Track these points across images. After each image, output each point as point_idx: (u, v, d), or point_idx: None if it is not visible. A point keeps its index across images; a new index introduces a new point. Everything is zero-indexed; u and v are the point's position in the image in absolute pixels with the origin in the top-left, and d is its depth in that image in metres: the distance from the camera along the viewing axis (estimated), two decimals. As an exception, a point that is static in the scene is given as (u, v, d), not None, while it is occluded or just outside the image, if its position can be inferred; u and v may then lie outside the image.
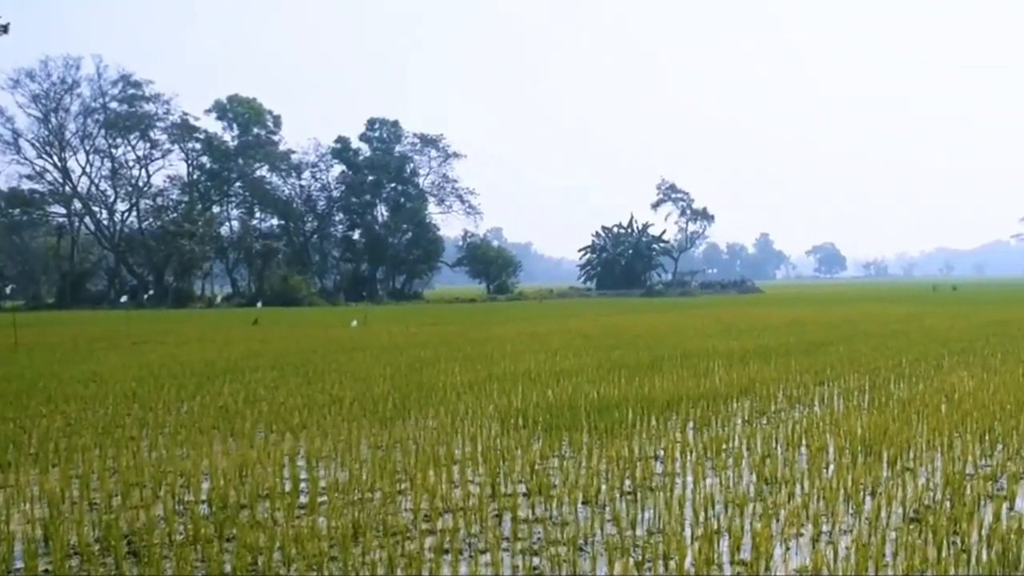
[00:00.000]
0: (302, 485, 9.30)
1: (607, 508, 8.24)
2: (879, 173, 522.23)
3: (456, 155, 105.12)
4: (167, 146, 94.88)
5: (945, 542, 7.03)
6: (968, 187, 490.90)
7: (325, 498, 8.73)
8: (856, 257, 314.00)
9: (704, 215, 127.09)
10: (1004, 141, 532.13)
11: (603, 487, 8.95)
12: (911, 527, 7.50)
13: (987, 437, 11.11)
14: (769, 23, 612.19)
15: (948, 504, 8.14)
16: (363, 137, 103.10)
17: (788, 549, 7.11)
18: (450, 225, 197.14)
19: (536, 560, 6.92)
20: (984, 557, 6.72)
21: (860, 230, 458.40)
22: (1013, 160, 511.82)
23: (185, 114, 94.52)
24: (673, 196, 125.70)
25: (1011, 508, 8.12)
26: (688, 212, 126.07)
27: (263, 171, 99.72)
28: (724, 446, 10.86)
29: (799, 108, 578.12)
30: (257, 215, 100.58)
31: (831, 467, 9.72)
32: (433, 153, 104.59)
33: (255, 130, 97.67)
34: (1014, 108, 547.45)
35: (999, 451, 10.49)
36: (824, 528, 7.58)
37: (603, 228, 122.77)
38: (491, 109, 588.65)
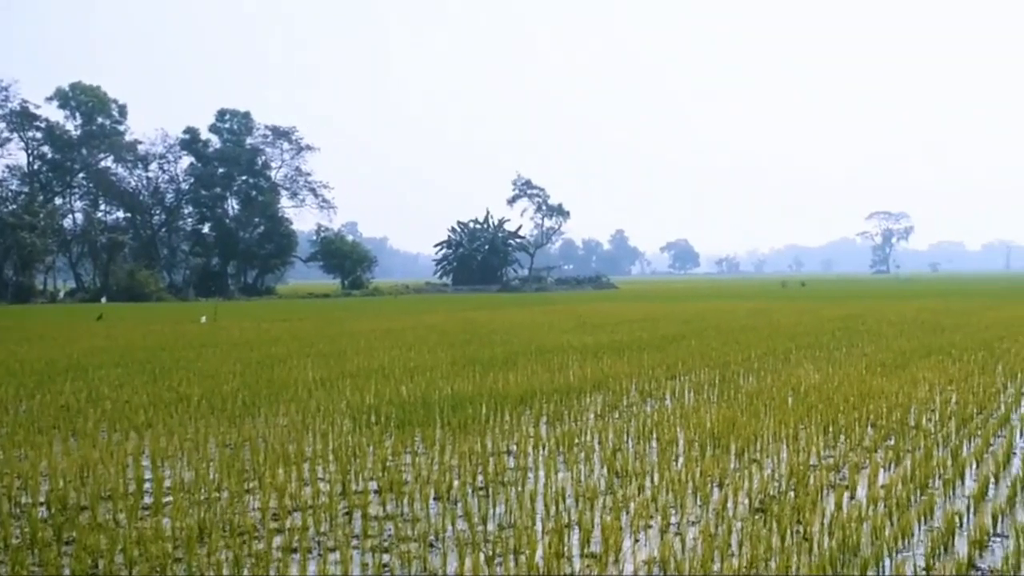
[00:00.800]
0: (146, 485, 9.06)
1: (459, 504, 8.22)
2: (731, 172, 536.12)
3: (309, 148, 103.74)
4: (5, 135, 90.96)
5: (789, 531, 7.20)
6: (817, 187, 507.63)
7: (170, 498, 8.51)
8: (709, 253, 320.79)
9: (560, 211, 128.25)
10: (850, 144, 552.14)
11: (455, 483, 8.93)
12: (756, 517, 7.66)
13: (831, 429, 11.44)
14: (625, 23, 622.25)
15: (792, 494, 8.34)
16: (213, 128, 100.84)
17: (637, 541, 7.18)
18: (303, 219, 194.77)
19: (386, 557, 6.85)
20: (825, 545, 6.89)
21: (713, 227, 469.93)
22: (859, 161, 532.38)
23: (25, 101, 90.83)
24: (529, 192, 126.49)
25: (852, 497, 8.36)
26: (544, 208, 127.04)
27: (108, 162, 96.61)
28: (576, 440, 10.94)
29: (654, 107, 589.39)
30: (102, 207, 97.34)
31: (680, 459, 9.89)
32: (286, 146, 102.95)
33: (99, 119, 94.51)
34: (859, 112, 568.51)
35: (842, 442, 10.81)
36: (673, 519, 7.69)
37: (459, 223, 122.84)
38: (346, 101, 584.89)
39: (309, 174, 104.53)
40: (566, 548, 6.93)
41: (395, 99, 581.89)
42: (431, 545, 7.09)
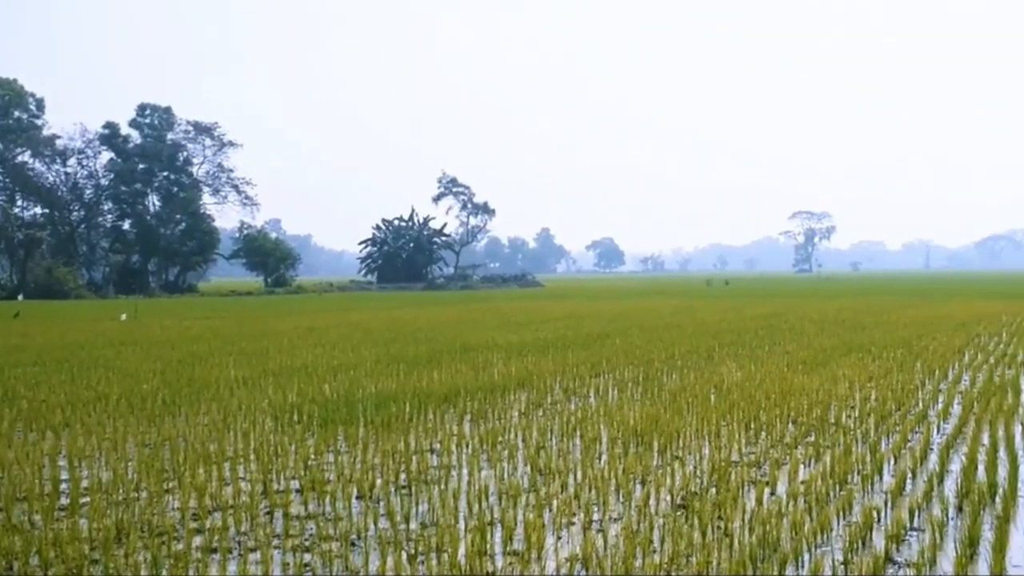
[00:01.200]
0: (63, 486, 8.90)
1: (382, 502, 8.17)
2: (656, 172, 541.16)
3: (231, 144, 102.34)
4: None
5: (710, 527, 7.25)
6: (740, 187, 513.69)
7: (87, 499, 8.36)
8: (634, 252, 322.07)
9: (485, 209, 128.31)
10: (774, 145, 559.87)
11: (378, 481, 8.88)
12: (678, 514, 7.72)
13: (752, 425, 11.57)
14: (547, 18, 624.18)
15: (714, 491, 8.41)
16: (133, 123, 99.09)
17: (560, 538, 7.19)
18: (226, 216, 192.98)
19: (308, 557, 6.79)
20: (746, 540, 6.95)
21: (638, 226, 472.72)
22: (782, 162, 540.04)
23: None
24: (454, 190, 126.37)
25: (772, 493, 8.46)
26: (469, 206, 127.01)
27: (25, 156, 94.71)
28: (500, 438, 10.94)
29: (579, 105, 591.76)
30: (19, 203, 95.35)
31: (604, 457, 9.93)
32: (208, 142, 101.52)
33: (16, 113, 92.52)
34: (781, 113, 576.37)
35: (763, 439, 10.93)
36: (595, 517, 7.71)
37: (384, 221, 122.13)
38: (270, 97, 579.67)
39: (231, 170, 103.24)
40: (489, 546, 6.93)
41: (320, 96, 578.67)
42: (353, 544, 7.04)
